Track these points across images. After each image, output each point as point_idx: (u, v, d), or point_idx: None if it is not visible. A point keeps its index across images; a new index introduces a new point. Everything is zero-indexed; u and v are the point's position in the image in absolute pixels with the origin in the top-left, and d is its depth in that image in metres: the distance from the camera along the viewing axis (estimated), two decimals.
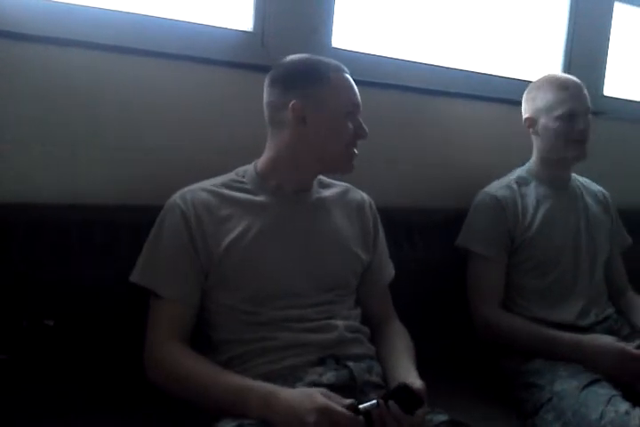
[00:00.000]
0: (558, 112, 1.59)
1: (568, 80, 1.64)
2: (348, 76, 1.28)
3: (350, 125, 1.24)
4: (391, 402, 1.02)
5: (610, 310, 1.68)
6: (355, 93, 1.27)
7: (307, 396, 1.00)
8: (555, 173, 1.70)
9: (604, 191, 1.84)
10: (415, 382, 1.11)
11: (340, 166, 1.28)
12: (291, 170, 1.27)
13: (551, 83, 1.63)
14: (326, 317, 1.22)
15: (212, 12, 1.52)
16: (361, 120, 1.27)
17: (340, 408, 0.97)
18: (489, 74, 2.00)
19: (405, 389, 1.05)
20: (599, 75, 2.28)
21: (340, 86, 1.25)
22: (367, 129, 1.27)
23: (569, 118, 1.59)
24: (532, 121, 1.66)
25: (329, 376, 1.13)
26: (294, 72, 1.25)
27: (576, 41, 2.20)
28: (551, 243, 1.62)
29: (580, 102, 1.60)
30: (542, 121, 1.64)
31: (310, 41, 1.59)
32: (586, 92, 1.63)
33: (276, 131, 1.27)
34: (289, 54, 1.28)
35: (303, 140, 1.24)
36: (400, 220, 1.69)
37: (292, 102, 1.21)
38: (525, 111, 1.69)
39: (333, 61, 1.28)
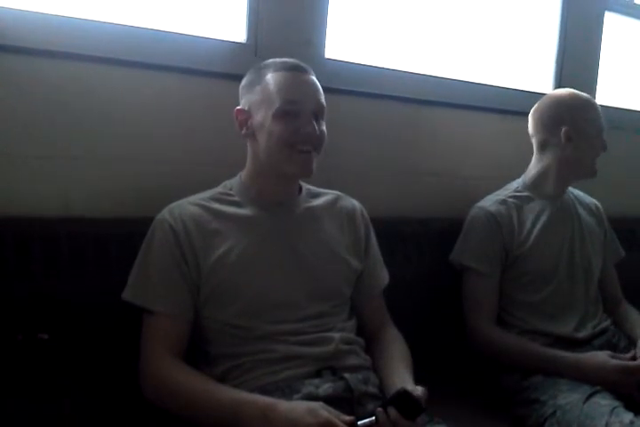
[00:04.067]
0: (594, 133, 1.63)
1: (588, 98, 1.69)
2: (293, 72, 1.19)
3: (285, 125, 1.15)
4: (391, 408, 1.01)
5: (606, 323, 1.67)
6: (291, 90, 1.16)
7: (309, 410, 0.98)
8: (552, 187, 1.68)
9: (596, 203, 1.84)
10: (415, 388, 1.09)
11: (290, 170, 1.19)
12: (266, 180, 1.26)
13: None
14: (322, 329, 1.21)
15: (205, 24, 1.52)
16: (311, 118, 1.16)
17: (341, 424, 0.96)
18: (482, 84, 2.01)
19: (405, 394, 1.03)
20: (591, 84, 2.28)
21: (272, 85, 1.17)
22: (317, 128, 1.16)
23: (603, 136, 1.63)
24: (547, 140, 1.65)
25: (326, 388, 1.12)
26: (245, 81, 1.26)
27: (567, 50, 2.21)
28: (546, 257, 1.62)
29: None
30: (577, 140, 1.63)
31: (303, 52, 1.59)
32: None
33: (246, 144, 1.27)
34: None
35: (256, 147, 1.23)
36: (394, 230, 1.69)
37: (235, 110, 1.22)
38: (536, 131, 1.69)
39: (283, 60, 1.21)
